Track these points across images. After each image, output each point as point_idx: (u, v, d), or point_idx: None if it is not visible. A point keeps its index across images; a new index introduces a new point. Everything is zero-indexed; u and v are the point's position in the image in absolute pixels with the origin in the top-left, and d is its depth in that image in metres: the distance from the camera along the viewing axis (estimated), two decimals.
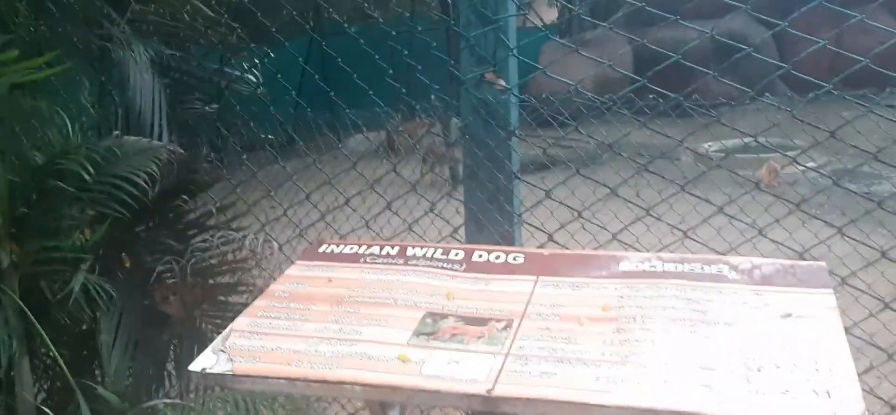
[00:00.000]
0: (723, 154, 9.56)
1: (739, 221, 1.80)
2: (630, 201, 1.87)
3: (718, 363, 1.25)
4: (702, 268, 1.57)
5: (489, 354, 1.36)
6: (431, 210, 2.08)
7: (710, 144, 9.96)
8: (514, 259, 1.70)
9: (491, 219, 1.88)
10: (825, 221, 1.75)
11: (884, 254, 1.60)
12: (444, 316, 1.51)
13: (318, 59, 8.28)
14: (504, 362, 1.33)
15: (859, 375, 1.46)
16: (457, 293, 1.59)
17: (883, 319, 1.65)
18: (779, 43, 11.69)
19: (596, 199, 1.93)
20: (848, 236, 1.66)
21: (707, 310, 1.43)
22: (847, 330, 1.68)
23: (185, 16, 3.48)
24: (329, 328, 1.49)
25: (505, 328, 1.44)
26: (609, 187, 1.80)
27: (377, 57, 2.50)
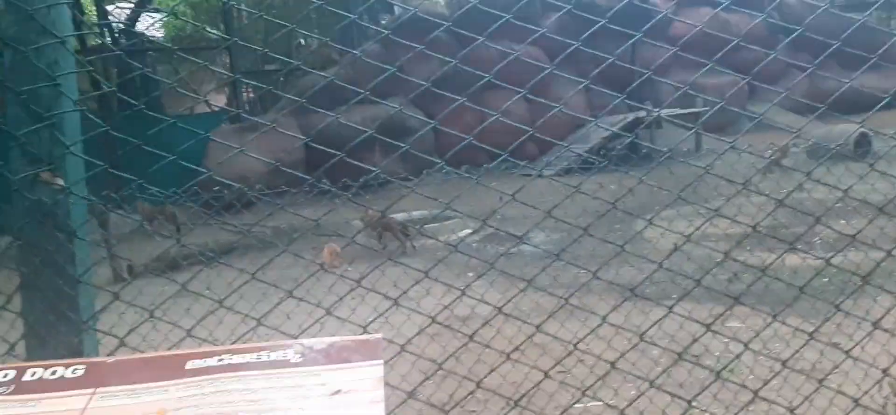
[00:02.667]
0: (417, 223, 10.32)
1: (307, 302, 1.90)
2: (201, 295, 1.87)
3: None
4: (267, 356, 1.61)
5: None
6: None
7: (399, 215, 10.56)
8: (73, 372, 1.57)
9: (54, 330, 1.73)
10: (383, 295, 1.93)
11: (433, 319, 1.80)
12: None
13: None
14: None
15: None
16: None
17: (436, 379, 1.85)
18: (433, 126, 13.04)
19: (168, 295, 1.89)
20: (404, 306, 1.84)
21: (263, 399, 1.46)
22: (410, 395, 1.85)
23: None
24: None
25: None
26: (179, 284, 1.78)
27: None
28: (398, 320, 2.11)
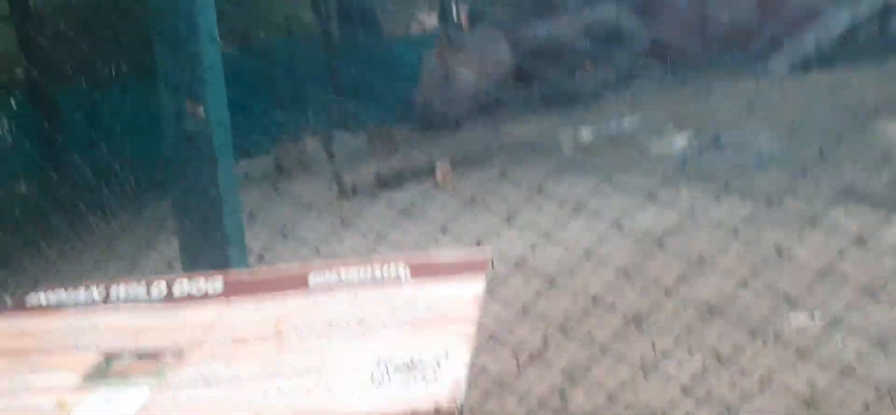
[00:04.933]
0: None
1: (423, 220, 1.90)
2: (324, 211, 1.95)
3: (353, 366, 1.31)
4: (379, 270, 1.65)
5: (148, 387, 1.38)
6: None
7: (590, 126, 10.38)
8: (213, 285, 1.73)
9: (204, 249, 1.91)
10: (495, 214, 1.87)
11: (543, 237, 1.72)
12: (121, 355, 1.51)
13: None
14: (157, 395, 1.35)
15: (537, 349, 1.56)
16: (143, 329, 1.60)
17: (551, 296, 1.79)
18: (649, 26, 12.33)
19: (295, 212, 1.99)
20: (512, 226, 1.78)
21: (368, 314, 1.50)
22: (525, 309, 1.81)
23: None
24: None
25: (175, 359, 1.46)
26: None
27: None
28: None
